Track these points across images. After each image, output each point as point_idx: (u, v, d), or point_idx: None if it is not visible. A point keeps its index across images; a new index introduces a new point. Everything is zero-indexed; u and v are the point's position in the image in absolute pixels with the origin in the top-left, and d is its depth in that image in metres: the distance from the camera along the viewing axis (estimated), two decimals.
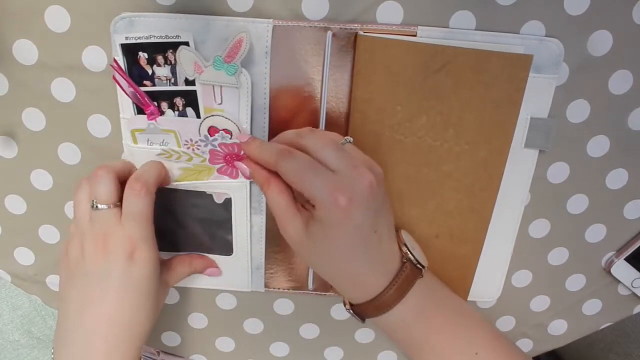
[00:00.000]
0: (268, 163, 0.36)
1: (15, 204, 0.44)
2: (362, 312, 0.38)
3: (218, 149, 0.39)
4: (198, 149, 0.39)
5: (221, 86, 0.37)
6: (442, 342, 0.38)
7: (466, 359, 0.37)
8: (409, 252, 0.37)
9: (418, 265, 0.37)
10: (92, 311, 0.36)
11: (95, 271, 0.36)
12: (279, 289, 0.46)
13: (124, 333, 0.37)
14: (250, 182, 0.41)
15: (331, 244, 0.35)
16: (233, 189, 0.41)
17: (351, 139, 0.36)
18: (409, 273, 0.36)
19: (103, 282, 0.36)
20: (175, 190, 0.41)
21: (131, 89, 0.37)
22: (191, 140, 0.39)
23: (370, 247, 0.35)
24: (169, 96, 0.37)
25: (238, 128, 0.38)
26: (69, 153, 0.42)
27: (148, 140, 0.39)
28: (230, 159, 0.40)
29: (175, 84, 0.37)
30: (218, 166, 0.40)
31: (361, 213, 0.33)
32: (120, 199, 0.37)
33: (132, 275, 0.36)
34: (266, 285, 0.46)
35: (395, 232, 0.38)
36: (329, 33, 0.37)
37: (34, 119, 0.40)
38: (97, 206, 0.36)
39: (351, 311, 0.39)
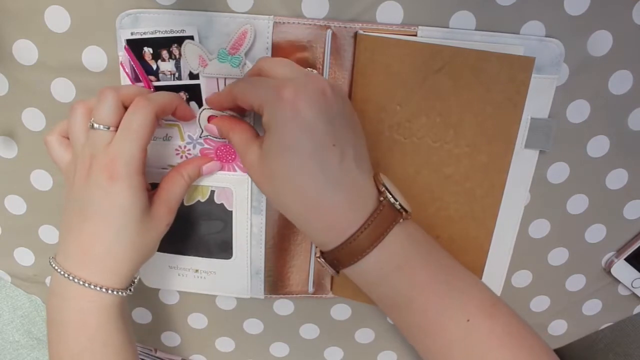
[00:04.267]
0: (227, 97, 0.36)
1: (15, 204, 0.44)
2: (334, 259, 0.34)
3: (206, 145, 0.40)
4: (190, 154, 0.40)
5: (225, 78, 0.37)
6: (427, 302, 0.33)
7: (455, 326, 0.33)
8: (387, 191, 0.33)
9: (398, 208, 0.33)
10: (72, 240, 0.35)
11: (79, 197, 0.34)
12: (278, 294, 0.46)
13: (102, 264, 0.35)
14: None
15: (284, 155, 0.31)
16: (234, 182, 0.41)
17: (315, 71, 0.36)
18: (386, 214, 0.32)
19: (84, 209, 0.34)
20: None
21: (139, 83, 0.38)
22: (180, 147, 0.40)
23: (329, 163, 0.31)
24: (173, 91, 0.38)
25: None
26: None
27: None
28: (221, 154, 0.40)
29: (180, 78, 0.37)
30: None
31: (309, 110, 0.31)
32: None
33: (109, 199, 0.33)
34: (265, 291, 0.46)
35: (374, 174, 0.35)
36: (329, 31, 0.37)
37: (34, 119, 0.40)
38: (93, 125, 0.34)
39: (322, 260, 0.35)
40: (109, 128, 0.34)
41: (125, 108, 0.34)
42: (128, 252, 0.35)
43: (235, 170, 0.41)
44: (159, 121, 0.38)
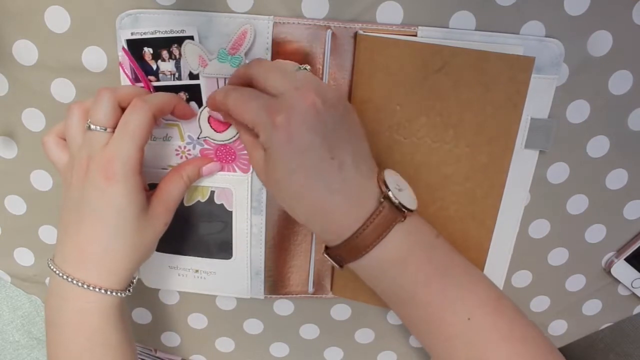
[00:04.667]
0: (223, 107, 0.36)
1: (15, 204, 0.44)
2: (337, 255, 0.35)
3: (205, 145, 0.40)
4: (190, 154, 0.40)
5: (225, 78, 0.37)
6: (429, 296, 0.34)
7: (457, 320, 0.33)
8: (388, 191, 0.33)
9: (400, 207, 0.33)
10: (69, 241, 0.35)
11: (76, 198, 0.34)
12: (278, 295, 0.46)
13: (99, 264, 0.35)
14: (252, 176, 0.41)
15: (284, 172, 0.32)
16: (234, 182, 0.41)
17: (308, 67, 0.35)
18: (387, 213, 0.33)
19: (80, 210, 0.34)
20: None
21: (139, 83, 0.38)
22: (180, 147, 0.40)
23: (329, 175, 0.32)
24: (173, 91, 0.38)
25: None
26: None
27: (151, 134, 0.39)
28: (221, 154, 0.40)
29: (180, 78, 0.37)
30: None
31: (304, 133, 0.31)
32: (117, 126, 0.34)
33: (106, 200, 0.33)
34: (265, 291, 0.46)
35: (378, 170, 0.35)
36: (329, 32, 0.37)
37: (34, 119, 0.40)
38: (90, 126, 0.34)
39: (327, 256, 0.36)
40: (105, 129, 0.34)
41: (123, 109, 0.34)
42: (126, 252, 0.35)
43: (235, 171, 0.41)
44: (157, 121, 0.38)
